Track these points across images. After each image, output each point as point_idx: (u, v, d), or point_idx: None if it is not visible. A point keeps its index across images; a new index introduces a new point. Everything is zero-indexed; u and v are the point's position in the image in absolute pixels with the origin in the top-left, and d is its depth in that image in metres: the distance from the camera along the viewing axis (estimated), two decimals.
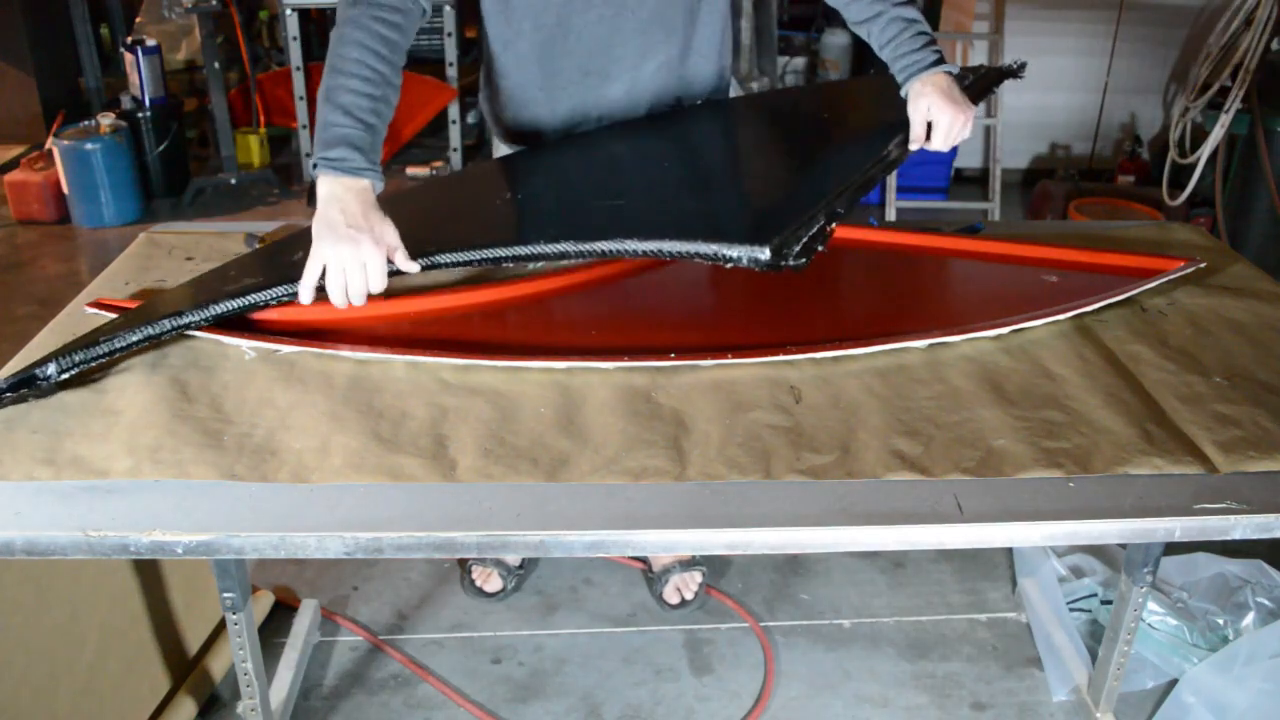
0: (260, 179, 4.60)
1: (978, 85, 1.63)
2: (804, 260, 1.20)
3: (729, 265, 1.20)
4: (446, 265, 1.32)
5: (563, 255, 1.29)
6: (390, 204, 1.32)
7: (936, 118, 1.50)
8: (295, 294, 1.29)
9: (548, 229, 1.32)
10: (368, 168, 1.29)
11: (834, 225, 1.27)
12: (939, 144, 1.52)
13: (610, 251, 1.27)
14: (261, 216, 4.29)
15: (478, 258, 1.32)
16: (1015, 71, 1.71)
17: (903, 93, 1.54)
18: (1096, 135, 4.67)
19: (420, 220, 1.42)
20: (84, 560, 1.49)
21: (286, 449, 1.11)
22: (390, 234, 1.29)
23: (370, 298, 1.28)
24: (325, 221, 1.26)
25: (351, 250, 1.25)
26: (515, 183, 1.61)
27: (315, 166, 1.31)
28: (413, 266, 1.31)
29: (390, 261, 1.29)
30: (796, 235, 1.21)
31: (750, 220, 1.36)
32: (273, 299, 1.31)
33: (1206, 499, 1.07)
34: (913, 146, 1.53)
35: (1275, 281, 1.59)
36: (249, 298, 1.31)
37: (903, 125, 1.52)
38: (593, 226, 1.31)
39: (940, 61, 1.51)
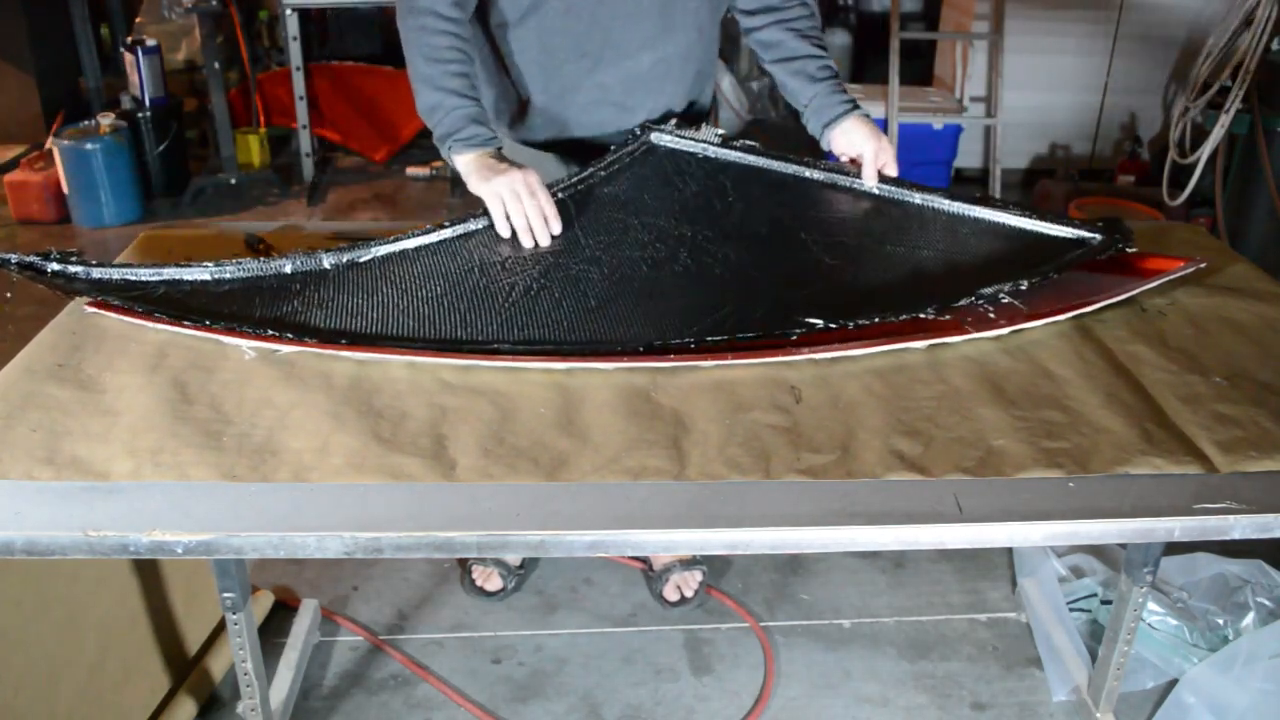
0: (260, 179, 4.60)
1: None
2: None
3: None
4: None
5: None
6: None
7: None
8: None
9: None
10: (494, 136, 1.52)
11: None
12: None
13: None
14: (261, 216, 4.29)
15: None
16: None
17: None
18: (1096, 135, 4.67)
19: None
20: (84, 560, 1.50)
21: (286, 449, 1.11)
22: (535, 173, 1.48)
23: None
24: (480, 175, 1.46)
25: (518, 178, 1.45)
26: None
27: (450, 148, 1.49)
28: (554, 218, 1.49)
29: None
30: None
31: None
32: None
33: (1206, 499, 1.07)
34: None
35: (1275, 281, 1.58)
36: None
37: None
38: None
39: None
